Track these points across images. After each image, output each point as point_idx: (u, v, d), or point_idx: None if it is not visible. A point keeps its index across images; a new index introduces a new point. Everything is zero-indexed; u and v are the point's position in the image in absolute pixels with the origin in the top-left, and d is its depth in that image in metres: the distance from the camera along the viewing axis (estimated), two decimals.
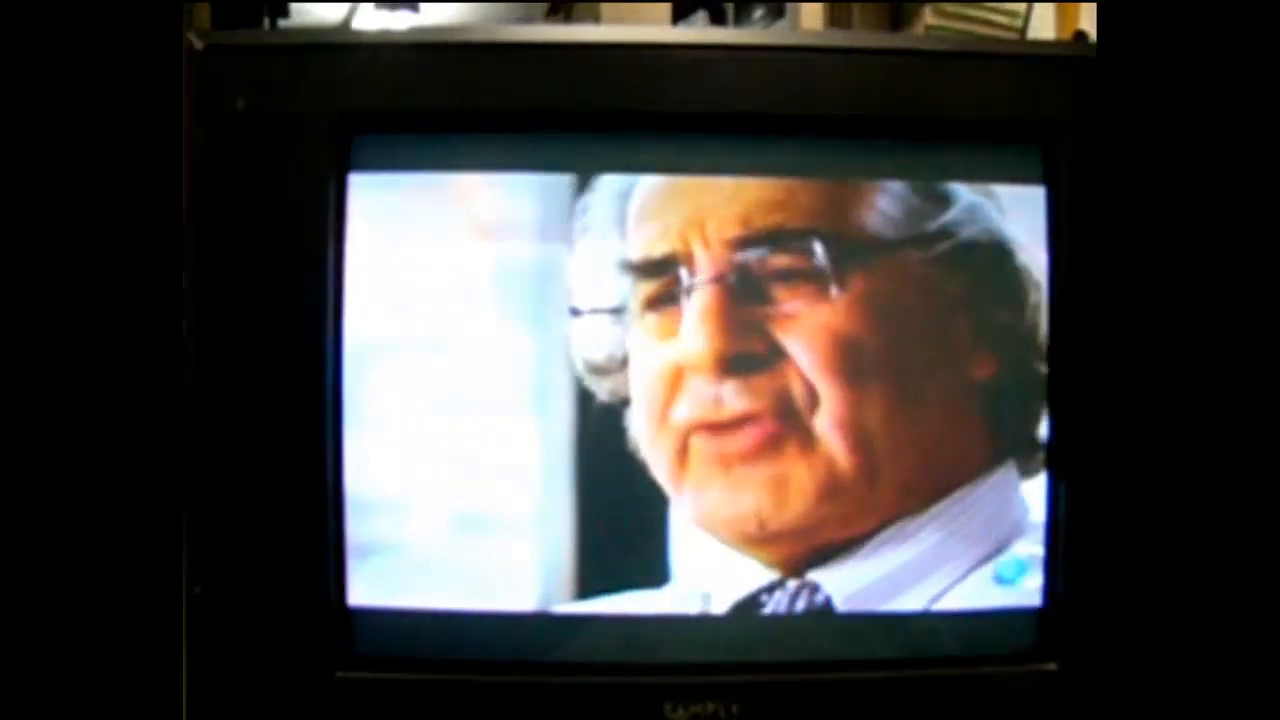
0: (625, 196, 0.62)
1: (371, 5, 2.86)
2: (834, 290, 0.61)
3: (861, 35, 0.64)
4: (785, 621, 0.63)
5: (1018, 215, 0.63)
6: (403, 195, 0.62)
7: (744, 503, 0.61)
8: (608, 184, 0.62)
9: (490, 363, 0.62)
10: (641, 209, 0.62)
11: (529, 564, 0.62)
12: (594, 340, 0.61)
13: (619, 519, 0.62)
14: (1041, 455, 0.63)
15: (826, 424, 0.61)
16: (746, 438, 0.61)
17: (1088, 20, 1.03)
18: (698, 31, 0.63)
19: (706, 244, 0.61)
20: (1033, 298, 0.63)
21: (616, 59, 0.62)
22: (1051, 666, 0.63)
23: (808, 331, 0.61)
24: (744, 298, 0.61)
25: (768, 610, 0.62)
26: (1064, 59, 0.63)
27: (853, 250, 0.61)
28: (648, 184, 0.62)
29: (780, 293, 0.61)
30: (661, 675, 0.62)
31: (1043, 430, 0.63)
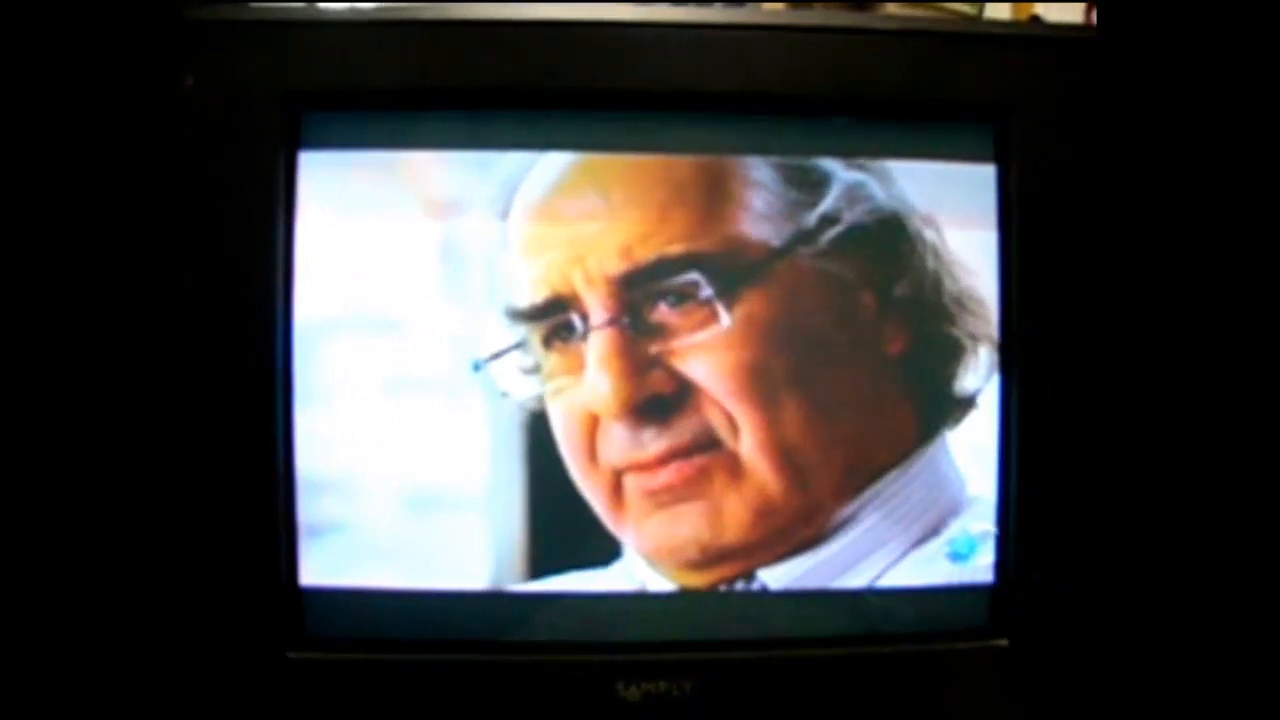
0: (504, 216, 0.61)
1: None
2: (724, 316, 0.61)
3: (813, 14, 0.63)
4: (738, 600, 0.63)
5: (910, 186, 0.62)
6: (352, 173, 0.62)
7: (682, 533, 0.61)
8: (491, 197, 0.61)
9: (440, 342, 0.61)
10: (521, 239, 0.61)
11: (480, 543, 0.62)
12: (494, 377, 0.61)
13: (569, 498, 0.62)
14: (963, 410, 0.63)
15: (751, 447, 0.61)
16: (674, 473, 0.61)
17: (1041, 10, 1.03)
18: (648, 8, 0.62)
19: (590, 282, 0.60)
20: (930, 264, 0.62)
21: (566, 35, 0.61)
22: (1003, 642, 0.63)
23: (711, 361, 0.61)
24: (640, 336, 0.60)
25: (720, 590, 0.62)
26: (1018, 38, 0.63)
27: (738, 269, 0.61)
28: (522, 207, 0.61)
29: (676, 323, 0.61)
30: (614, 654, 0.62)
31: (962, 386, 0.63)
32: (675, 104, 0.62)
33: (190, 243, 0.60)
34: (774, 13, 0.63)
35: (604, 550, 0.62)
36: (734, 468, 0.61)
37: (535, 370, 0.61)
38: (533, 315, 0.61)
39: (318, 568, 0.62)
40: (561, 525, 0.62)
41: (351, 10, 0.62)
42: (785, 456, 0.61)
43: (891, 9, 1.10)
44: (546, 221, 0.61)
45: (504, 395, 0.61)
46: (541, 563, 0.62)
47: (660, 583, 0.62)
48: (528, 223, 0.61)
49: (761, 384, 0.61)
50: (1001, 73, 0.63)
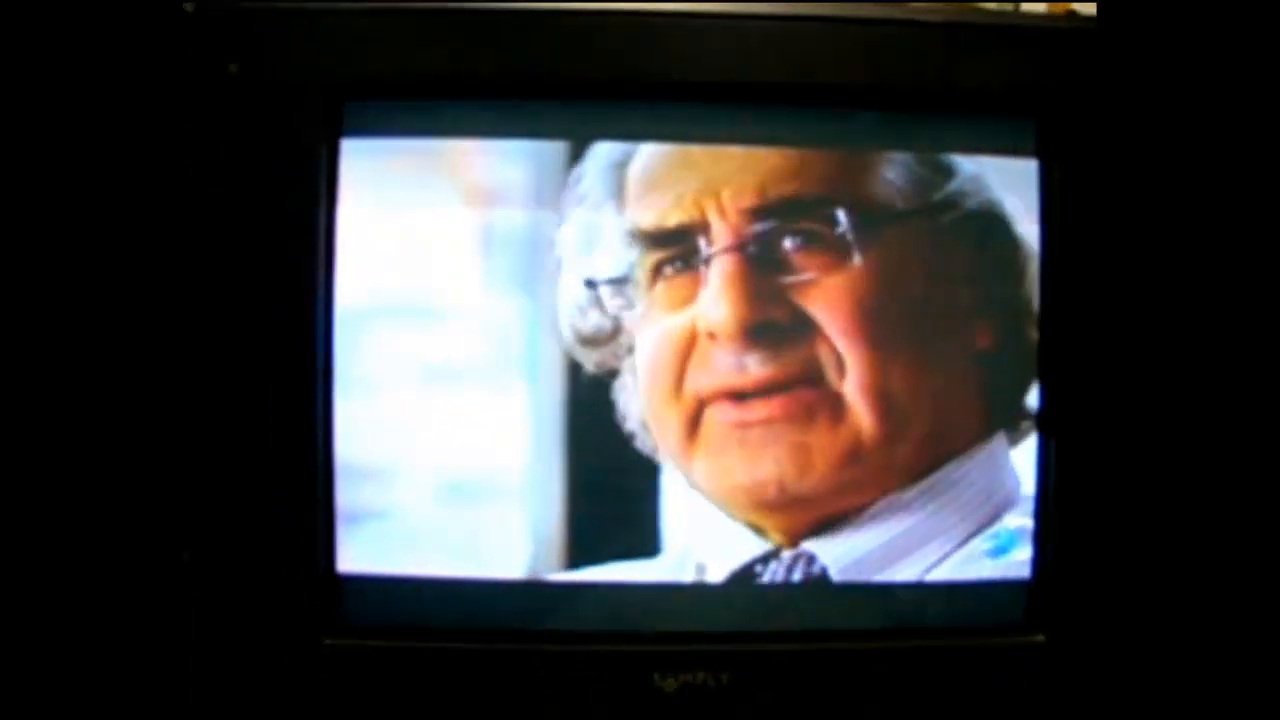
0: (621, 166, 0.61)
1: None
2: (855, 257, 0.61)
3: (859, 6, 0.63)
4: (775, 591, 0.63)
5: (1014, 187, 0.63)
6: (395, 161, 0.62)
7: (764, 469, 0.61)
8: (603, 153, 0.61)
9: (481, 330, 0.62)
10: (647, 178, 0.61)
11: (519, 532, 0.62)
12: (584, 311, 0.61)
13: (610, 488, 0.62)
14: (1029, 424, 0.63)
15: (854, 390, 0.61)
16: (774, 405, 0.61)
17: (1080, 6, 1.02)
18: (695, 1, 0.62)
19: (723, 213, 0.61)
20: (1030, 269, 0.63)
21: (613, 25, 0.61)
22: (1039, 638, 0.63)
23: (831, 298, 0.61)
24: (765, 266, 0.61)
25: (762, 580, 0.62)
26: (1059, 31, 0.63)
27: (868, 219, 0.61)
28: (652, 152, 0.61)
29: (801, 260, 0.61)
30: (651, 644, 0.62)
31: (1032, 399, 0.63)
32: (709, 94, 0.62)
33: (233, 229, 0.60)
34: (832, 4, 0.63)
35: (646, 544, 0.62)
36: (836, 407, 0.61)
37: (625, 309, 0.61)
38: (658, 239, 0.61)
39: (356, 555, 0.62)
40: (602, 516, 0.62)
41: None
42: (885, 405, 0.61)
43: (918, 5, 1.09)
44: (680, 160, 0.61)
45: (561, 363, 0.61)
46: (580, 553, 0.62)
47: (708, 526, 0.62)
48: (657, 159, 0.61)
49: (874, 328, 0.61)
50: (1044, 67, 0.62)
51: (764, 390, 0.61)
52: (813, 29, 0.62)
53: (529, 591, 0.62)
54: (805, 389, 0.61)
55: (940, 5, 0.71)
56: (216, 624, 0.62)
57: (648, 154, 0.61)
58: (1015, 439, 0.63)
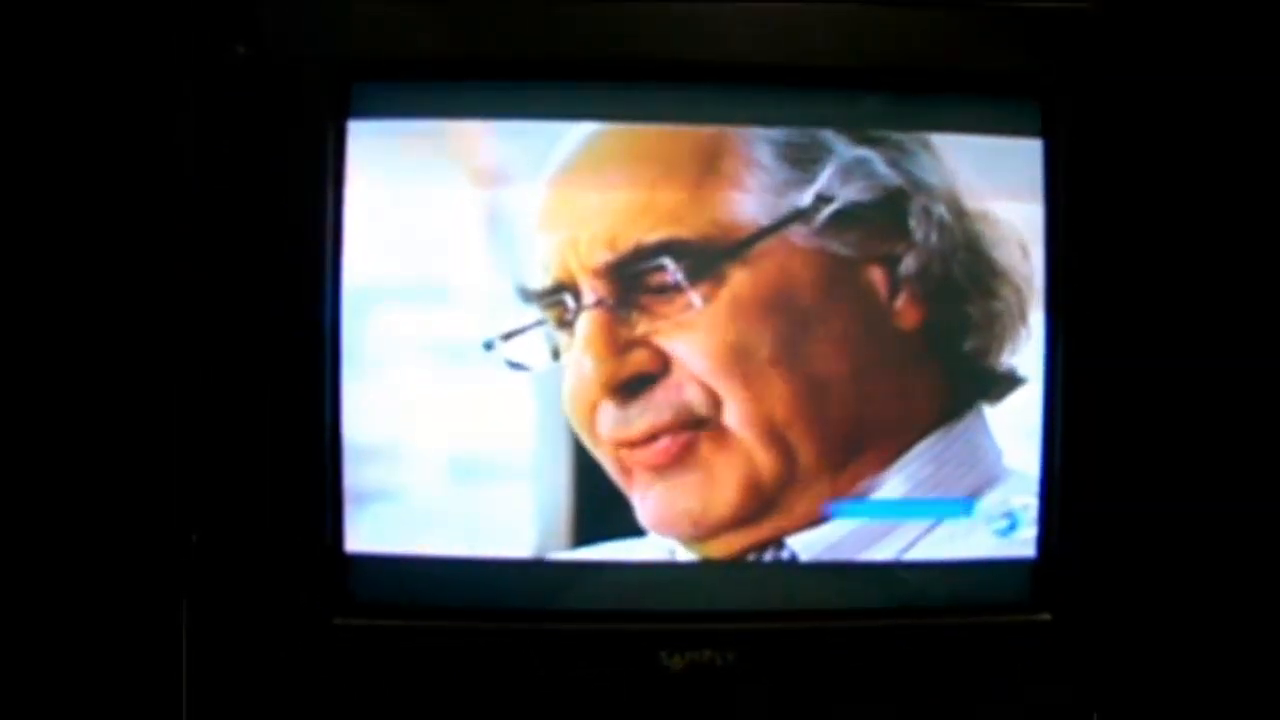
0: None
1: None
2: (696, 298, 0.61)
3: None
4: (781, 571, 0.63)
5: (923, 161, 0.62)
6: (402, 142, 0.62)
7: (679, 505, 0.62)
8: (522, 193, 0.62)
9: (487, 310, 0.62)
10: (539, 209, 0.62)
11: (526, 511, 0.62)
12: (510, 356, 0.62)
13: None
14: (1004, 387, 0.63)
15: (736, 422, 0.61)
16: (660, 449, 0.62)
17: None
18: None
19: (582, 268, 0.61)
20: (939, 239, 0.62)
21: (606, 8, 0.61)
22: (1045, 617, 0.63)
23: (691, 339, 0.61)
24: (625, 318, 0.61)
25: (760, 560, 0.63)
26: (1063, 12, 0.63)
27: (719, 249, 0.61)
28: (540, 195, 0.62)
29: (659, 307, 0.61)
30: (658, 623, 0.62)
31: (1002, 362, 0.63)
32: (698, 75, 0.62)
33: (241, 210, 0.60)
34: None
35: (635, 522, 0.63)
36: (721, 442, 0.61)
37: (558, 351, 0.62)
38: (541, 297, 0.62)
39: (364, 535, 0.62)
40: (604, 494, 0.62)
41: None
42: (771, 431, 0.61)
43: None
44: (557, 197, 0.62)
45: (547, 365, 0.62)
46: (586, 531, 0.62)
47: (680, 553, 0.63)
48: (545, 196, 0.62)
49: (743, 361, 0.61)
50: (1046, 47, 0.63)
51: (651, 436, 0.61)
52: (815, 10, 0.62)
53: (536, 571, 0.62)
54: (688, 431, 0.61)
55: None
56: (225, 604, 0.62)
57: (539, 197, 0.62)
58: (990, 400, 0.63)
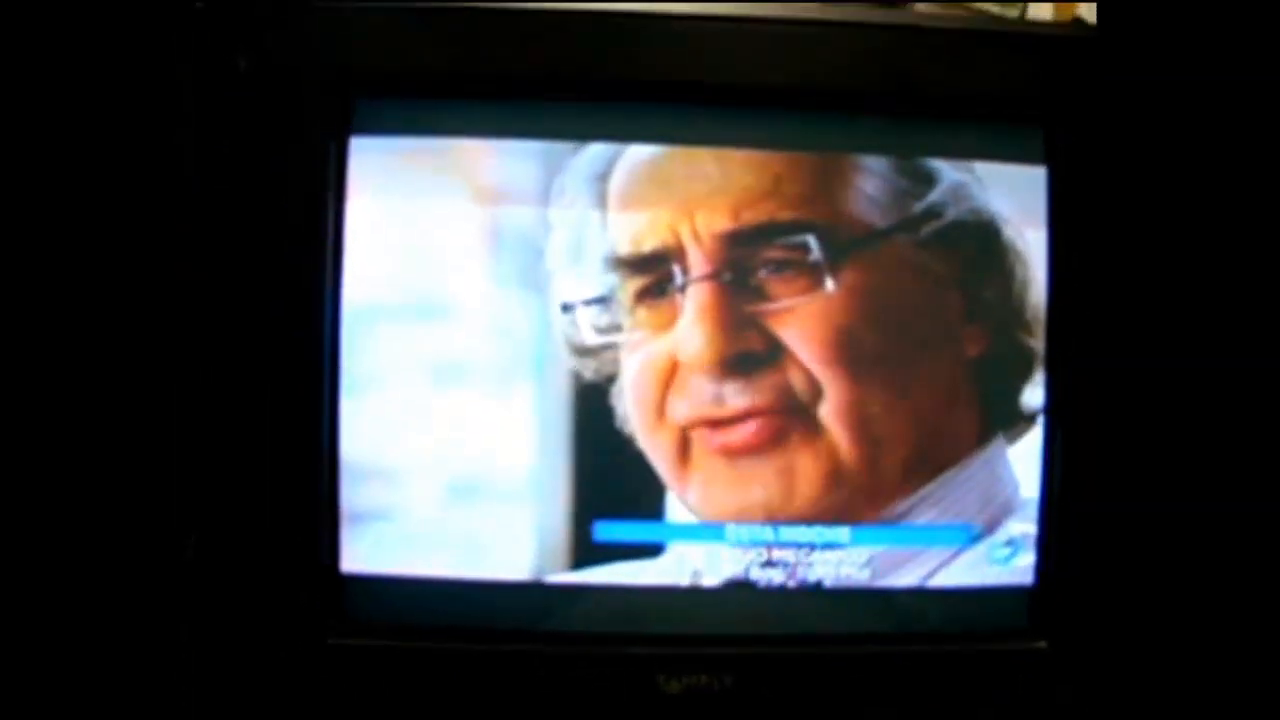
0: (603, 179, 0.61)
1: None
2: (829, 282, 0.61)
3: (864, 10, 0.63)
4: (779, 595, 0.63)
5: (1001, 192, 0.63)
6: (404, 159, 0.61)
7: (752, 494, 0.62)
8: (583, 164, 0.61)
9: (487, 330, 0.61)
10: (625, 194, 0.61)
11: (524, 532, 0.62)
12: (578, 324, 0.61)
13: (613, 488, 0.62)
14: (1027, 424, 0.63)
15: (830, 414, 0.61)
16: (750, 432, 0.61)
17: (1086, 11, 1.03)
18: (698, 3, 0.62)
19: (697, 238, 0.61)
20: (1019, 273, 0.63)
21: (619, 26, 0.61)
22: (1042, 644, 0.63)
23: (806, 325, 0.61)
24: (740, 294, 0.61)
25: (760, 585, 0.62)
26: (1066, 39, 0.63)
27: (845, 240, 0.61)
28: (630, 167, 0.61)
29: (776, 287, 0.61)
30: (655, 646, 0.62)
31: (1029, 399, 0.63)
32: (708, 96, 0.62)
33: (242, 226, 0.60)
34: (834, 8, 0.63)
35: (648, 544, 0.62)
36: (812, 432, 0.61)
37: (611, 330, 0.61)
38: (634, 265, 0.61)
39: (360, 554, 0.62)
40: (606, 515, 0.62)
41: None
42: (863, 427, 0.61)
43: (921, 8, 1.10)
44: (654, 182, 0.61)
45: (564, 366, 0.61)
46: (584, 553, 0.62)
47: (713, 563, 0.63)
48: (633, 175, 0.61)
49: (850, 352, 0.61)
50: (1053, 73, 0.63)
51: (741, 418, 0.61)
52: (816, 33, 0.62)
53: (533, 592, 0.62)
54: (782, 416, 0.61)
55: (947, 11, 0.71)
56: (220, 622, 0.61)
57: (626, 169, 0.61)
58: (1013, 438, 0.64)
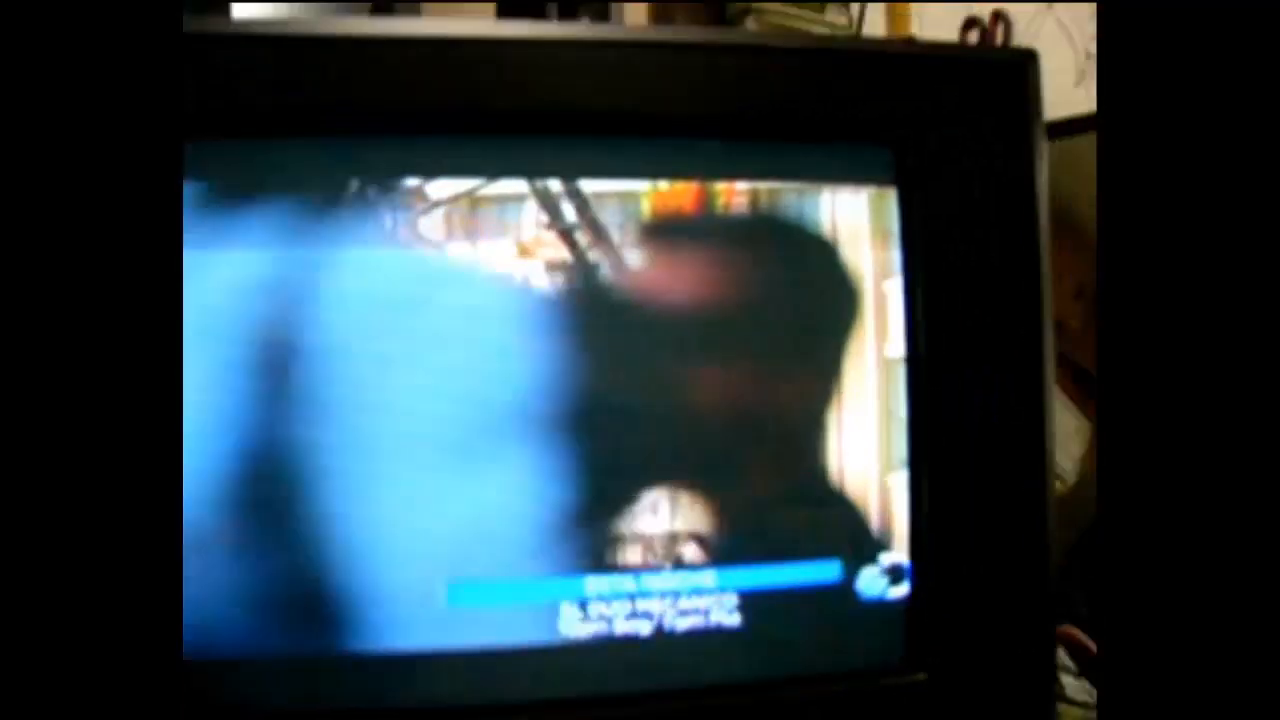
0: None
1: None
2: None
3: (711, 31, 0.61)
4: (646, 648, 0.59)
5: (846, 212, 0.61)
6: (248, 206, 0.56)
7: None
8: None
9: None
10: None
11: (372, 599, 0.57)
12: None
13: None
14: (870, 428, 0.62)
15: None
16: None
17: (916, 26, 1.04)
18: (539, 26, 0.59)
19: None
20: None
21: (442, 51, 0.57)
22: (921, 676, 0.61)
23: None
24: None
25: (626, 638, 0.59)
26: (916, 57, 0.62)
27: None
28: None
29: None
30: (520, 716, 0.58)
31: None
32: (551, 125, 0.59)
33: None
34: (670, 30, 0.60)
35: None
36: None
37: None
38: None
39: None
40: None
41: (242, 25, 0.57)
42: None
43: (753, 22, 1.10)
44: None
45: None
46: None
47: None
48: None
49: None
50: (901, 94, 0.61)
51: None
52: (663, 56, 0.60)
53: (385, 664, 0.57)
54: None
55: (780, 29, 0.69)
56: None
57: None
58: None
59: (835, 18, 1.12)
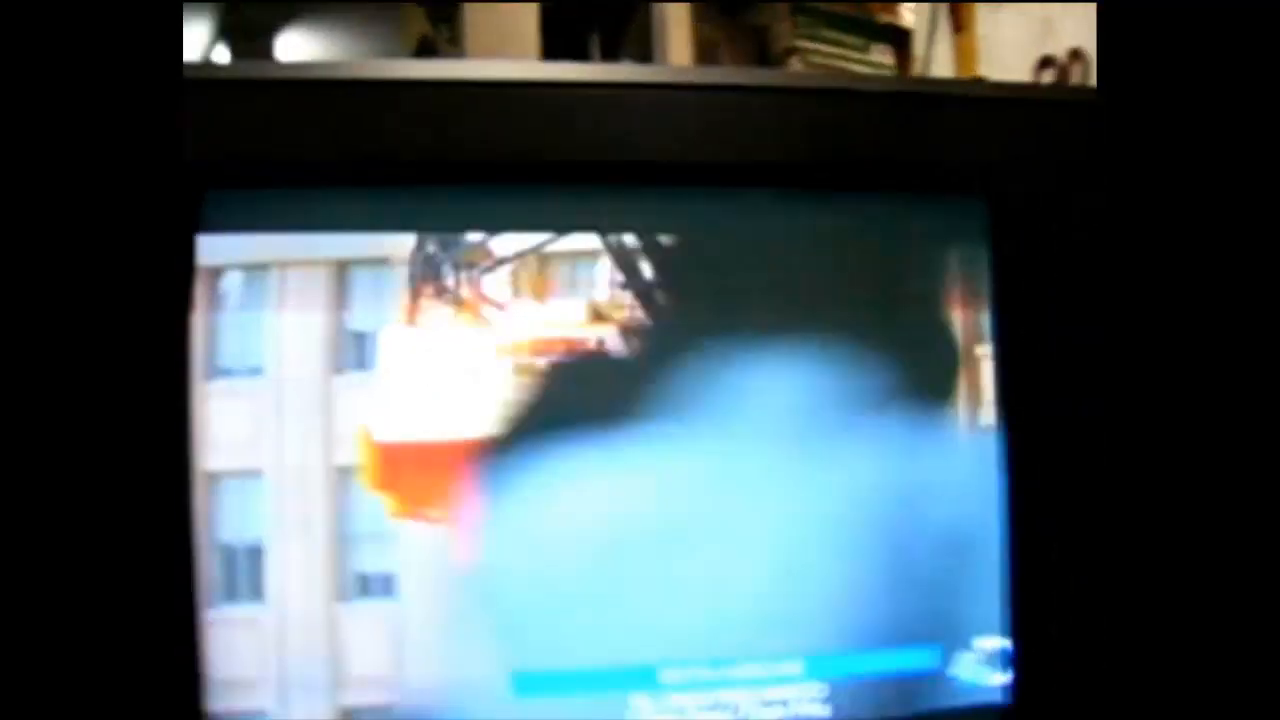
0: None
1: None
2: None
3: (792, 75, 0.57)
4: None
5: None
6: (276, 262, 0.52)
7: None
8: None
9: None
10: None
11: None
12: None
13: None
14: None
15: None
16: None
17: (984, 66, 0.99)
18: (607, 68, 0.55)
19: None
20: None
21: (513, 100, 0.53)
22: None
23: None
24: None
25: None
26: (1012, 101, 0.57)
27: None
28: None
29: None
30: None
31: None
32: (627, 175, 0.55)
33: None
34: (747, 72, 0.56)
35: None
36: None
37: None
38: None
39: None
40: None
41: (264, 68, 0.53)
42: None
43: (798, 62, 1.06)
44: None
45: None
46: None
47: None
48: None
49: None
50: (995, 140, 0.57)
51: None
52: (739, 100, 0.55)
53: None
54: None
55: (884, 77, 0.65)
56: None
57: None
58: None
59: (881, 58, 1.08)
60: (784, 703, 0.55)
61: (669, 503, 0.53)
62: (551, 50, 0.96)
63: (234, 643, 0.51)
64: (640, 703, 0.53)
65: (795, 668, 0.55)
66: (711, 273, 0.55)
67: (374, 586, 0.52)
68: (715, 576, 0.54)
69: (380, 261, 0.53)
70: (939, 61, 0.96)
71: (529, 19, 0.94)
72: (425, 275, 0.52)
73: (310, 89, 0.52)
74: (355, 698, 0.52)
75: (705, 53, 1.24)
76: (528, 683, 0.53)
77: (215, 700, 0.51)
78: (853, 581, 0.55)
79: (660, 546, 0.53)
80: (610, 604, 0.53)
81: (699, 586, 0.54)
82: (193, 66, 0.51)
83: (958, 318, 0.57)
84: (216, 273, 0.52)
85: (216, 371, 0.51)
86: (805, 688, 0.55)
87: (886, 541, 0.56)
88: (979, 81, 0.75)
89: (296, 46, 0.88)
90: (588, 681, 0.53)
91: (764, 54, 1.21)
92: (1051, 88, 0.71)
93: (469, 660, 0.52)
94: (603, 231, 0.54)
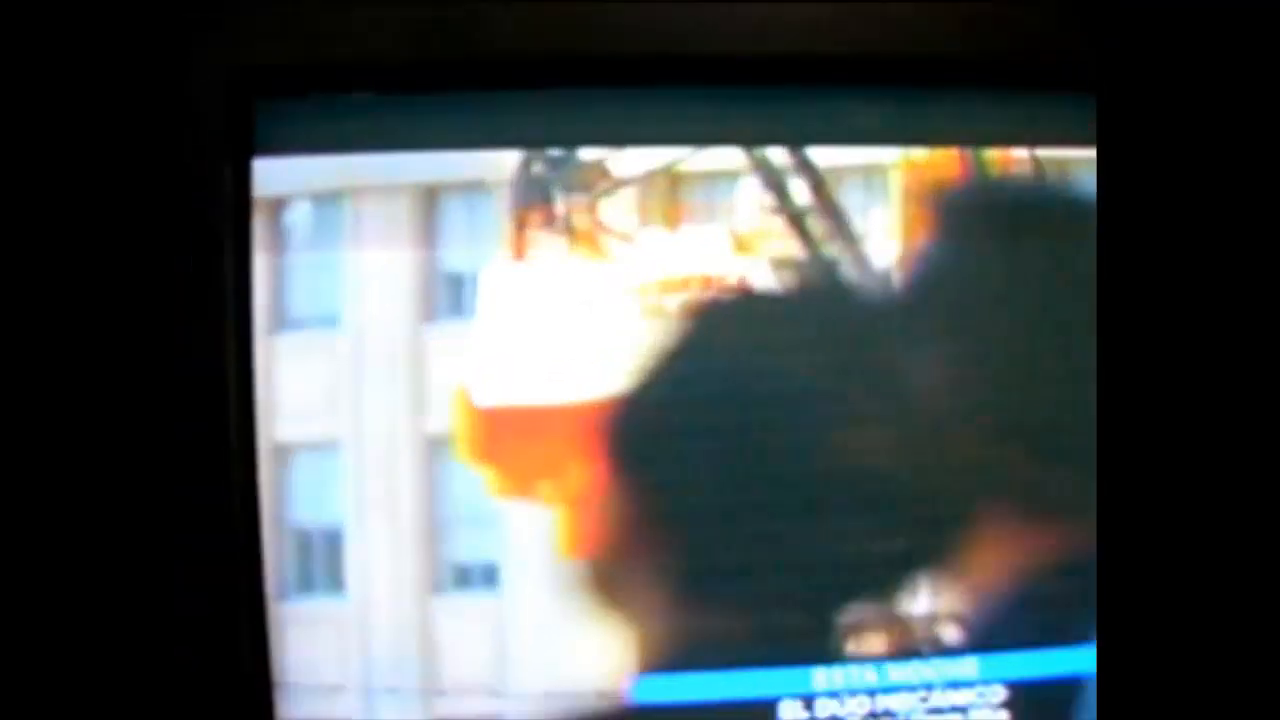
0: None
1: None
2: None
3: None
4: None
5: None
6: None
7: None
8: None
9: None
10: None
11: None
12: None
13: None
14: None
15: None
16: None
17: None
18: None
19: None
20: None
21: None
22: None
23: None
24: None
25: None
26: None
27: None
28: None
29: None
30: None
31: None
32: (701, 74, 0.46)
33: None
34: None
35: None
36: None
37: None
38: None
39: None
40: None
41: None
42: None
43: None
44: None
45: None
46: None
47: None
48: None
49: None
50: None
51: None
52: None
53: None
54: None
55: None
56: None
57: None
58: None
59: None
60: (959, 709, 0.47)
61: (833, 475, 0.45)
62: None
63: (310, 642, 0.46)
64: (790, 711, 0.46)
65: (970, 668, 0.47)
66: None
67: (473, 577, 0.46)
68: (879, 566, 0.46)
69: (476, 185, 0.45)
70: None
71: None
72: (531, 201, 0.44)
73: None
74: (452, 707, 0.46)
75: None
76: (654, 688, 0.45)
77: (288, 709, 0.44)
78: (1037, 568, 0.47)
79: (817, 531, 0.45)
80: (760, 597, 0.45)
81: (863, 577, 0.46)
82: None
83: None
84: (279, 204, 0.44)
85: (284, 323, 0.44)
86: (982, 690, 0.47)
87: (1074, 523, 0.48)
88: None
89: None
90: (728, 686, 0.46)
91: None
92: None
93: (585, 663, 0.45)
94: (747, 145, 0.45)
